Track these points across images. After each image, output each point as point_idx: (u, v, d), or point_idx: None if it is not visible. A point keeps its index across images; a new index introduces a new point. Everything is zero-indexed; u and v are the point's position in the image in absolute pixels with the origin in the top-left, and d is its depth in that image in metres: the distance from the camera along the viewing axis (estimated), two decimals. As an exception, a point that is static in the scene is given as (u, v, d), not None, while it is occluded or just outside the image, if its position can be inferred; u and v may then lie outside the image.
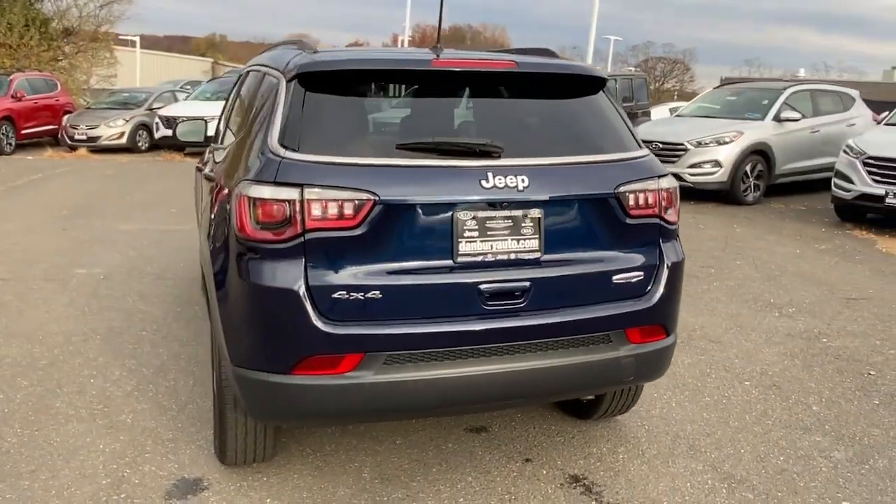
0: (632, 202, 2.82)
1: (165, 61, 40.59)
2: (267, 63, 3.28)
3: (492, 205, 2.63)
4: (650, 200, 2.86)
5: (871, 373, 4.47)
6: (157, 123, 16.00)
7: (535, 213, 2.68)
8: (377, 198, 2.51)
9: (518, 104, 2.96)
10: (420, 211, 2.58)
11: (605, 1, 22.58)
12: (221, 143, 4.08)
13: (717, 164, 10.40)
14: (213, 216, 3.15)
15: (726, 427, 3.71)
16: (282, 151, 2.60)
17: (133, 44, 34.23)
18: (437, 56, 2.91)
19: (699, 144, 10.50)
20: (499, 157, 2.67)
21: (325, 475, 3.18)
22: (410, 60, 2.84)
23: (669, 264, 2.94)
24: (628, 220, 2.83)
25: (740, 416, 3.84)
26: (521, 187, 2.63)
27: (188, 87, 22.80)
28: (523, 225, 2.68)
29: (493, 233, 2.65)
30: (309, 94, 2.72)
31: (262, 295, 2.55)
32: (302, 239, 2.51)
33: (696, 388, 4.16)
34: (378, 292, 2.55)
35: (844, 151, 9.32)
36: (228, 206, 2.77)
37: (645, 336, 2.90)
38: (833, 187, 9.33)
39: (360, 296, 2.54)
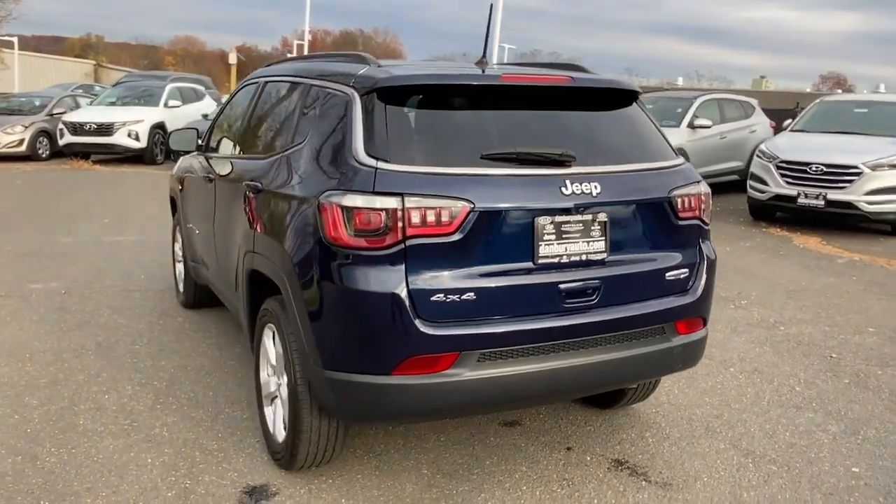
0: (681, 205, 3.10)
1: (43, 63, 38.33)
2: (317, 75, 3.35)
3: (566, 210, 2.84)
4: (693, 203, 3.16)
5: (833, 356, 4.98)
6: (61, 130, 15.24)
7: (602, 216, 2.92)
8: (473, 205, 2.67)
9: (573, 116, 3.19)
10: (506, 217, 2.76)
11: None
12: (239, 152, 4.10)
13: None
14: (259, 223, 3.25)
15: (730, 409, 4.07)
16: (372, 162, 2.71)
17: (10, 45, 32.17)
18: (483, 70, 3.11)
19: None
20: (571, 165, 2.89)
21: (387, 474, 3.28)
22: (481, 76, 3.01)
23: (708, 261, 3.26)
24: (677, 222, 3.12)
25: (737, 398, 4.22)
26: (594, 193, 2.86)
27: (79, 90, 21.71)
28: (592, 228, 2.91)
29: (567, 236, 2.86)
30: (389, 108, 2.84)
31: (363, 300, 2.65)
32: (403, 245, 2.64)
33: (689, 376, 4.52)
34: (472, 294, 2.70)
35: (758, 156, 10.13)
36: (304, 215, 2.86)
37: (690, 328, 3.19)
38: (749, 189, 10.12)
39: (455, 298, 2.68)
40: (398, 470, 3.32)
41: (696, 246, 3.23)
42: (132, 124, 15.21)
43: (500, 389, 2.78)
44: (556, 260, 2.85)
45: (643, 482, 3.27)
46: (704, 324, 3.29)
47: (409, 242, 2.64)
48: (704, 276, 3.23)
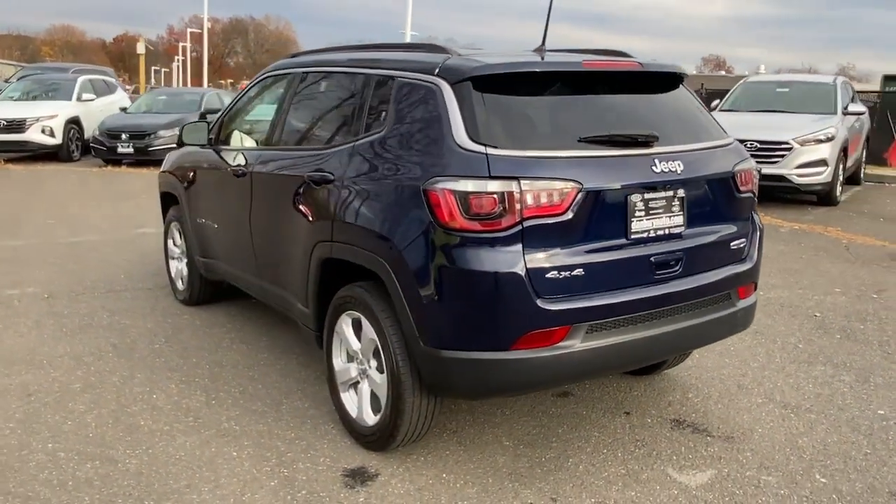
0: (741, 179, 3.37)
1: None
2: (389, 66, 3.39)
3: (653, 187, 3.05)
4: (749, 178, 3.43)
5: (817, 314, 5.45)
6: (-34, 127, 14.24)
7: (682, 192, 3.14)
8: (581, 186, 2.83)
9: (643, 98, 3.39)
10: (606, 195, 2.93)
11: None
12: (279, 144, 4.08)
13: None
14: (339, 212, 3.29)
15: (751, 368, 4.42)
16: (480, 148, 2.82)
17: None
18: (543, 57, 3.27)
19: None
20: (654, 145, 3.09)
21: (473, 448, 3.41)
22: (566, 63, 3.16)
23: (759, 231, 3.55)
24: (738, 195, 3.38)
25: (753, 358, 4.57)
26: (678, 171, 3.07)
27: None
28: (673, 203, 3.12)
29: (653, 211, 3.06)
30: (484, 96, 2.95)
31: (483, 280, 2.76)
32: (520, 226, 2.76)
33: (701, 340, 4.85)
34: (580, 270, 2.86)
35: None
36: (404, 202, 2.94)
37: (747, 292, 3.47)
38: None
39: (566, 274, 2.84)
40: (481, 444, 3.45)
41: (750, 217, 3.51)
42: (45, 120, 14.42)
43: (606, 357, 2.97)
44: (644, 234, 3.05)
45: (707, 437, 3.54)
46: (756, 288, 3.58)
47: (525, 224, 2.77)
48: (757, 244, 3.52)
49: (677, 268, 3.13)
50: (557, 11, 3.65)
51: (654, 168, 3.01)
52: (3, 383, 4.07)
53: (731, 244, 3.37)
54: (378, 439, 3.29)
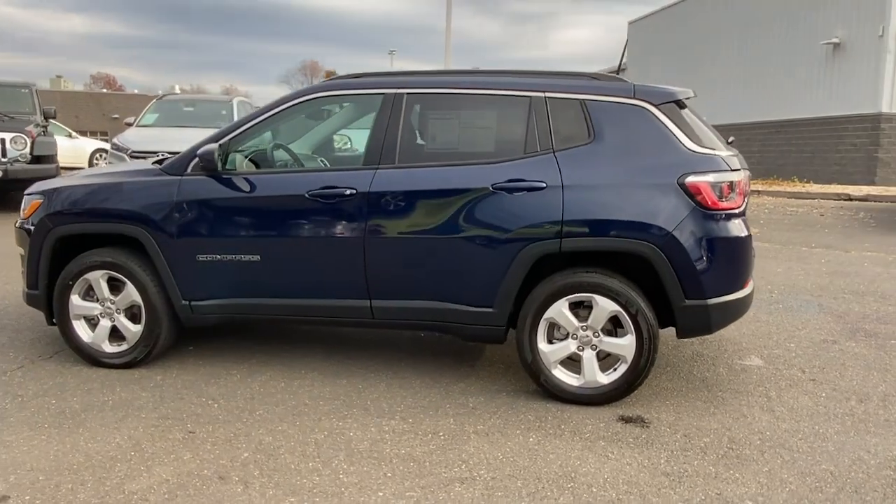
0: None
1: None
2: (570, 89, 4.20)
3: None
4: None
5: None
6: None
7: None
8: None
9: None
10: None
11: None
12: (400, 162, 4.27)
13: None
14: (566, 212, 4.00)
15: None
16: (708, 150, 4.00)
17: None
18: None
19: None
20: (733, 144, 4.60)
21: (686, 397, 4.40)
22: (687, 89, 4.40)
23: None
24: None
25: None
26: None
27: None
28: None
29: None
30: (678, 113, 4.13)
31: (740, 243, 3.98)
32: (745, 203, 4.01)
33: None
34: None
35: (113, 148, 11.87)
36: (655, 195, 3.92)
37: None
38: None
39: None
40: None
41: None
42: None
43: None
44: None
45: (798, 374, 5.09)
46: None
47: (745, 201, 4.03)
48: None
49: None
50: None
51: None
52: None
53: None
54: (614, 395, 4.08)
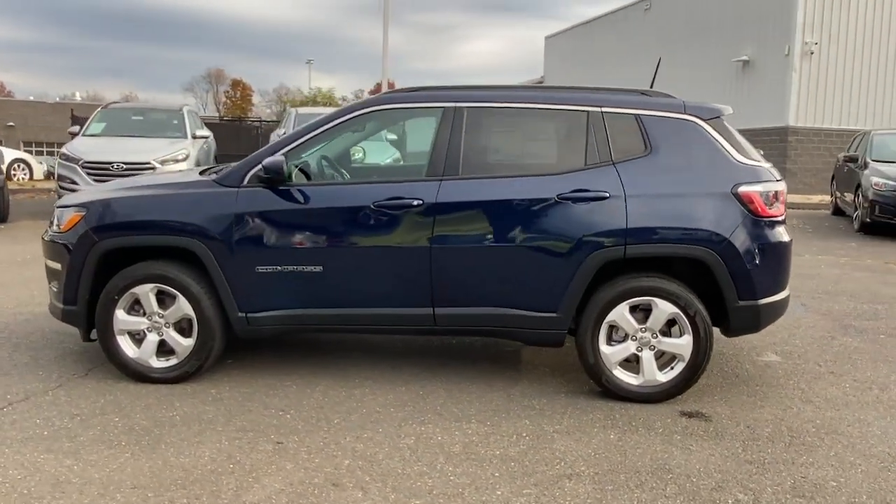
0: None
1: None
2: (624, 104, 4.46)
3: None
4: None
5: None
6: None
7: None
8: None
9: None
10: None
11: None
12: (464, 173, 4.41)
13: None
14: (632, 219, 4.24)
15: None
16: (754, 162, 4.33)
17: None
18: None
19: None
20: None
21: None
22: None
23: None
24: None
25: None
26: None
27: None
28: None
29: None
30: (724, 127, 4.44)
31: (786, 247, 4.32)
32: (785, 212, 4.36)
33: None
34: None
35: (62, 159, 11.79)
36: (710, 203, 4.21)
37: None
38: (59, 188, 11.61)
39: None
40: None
41: None
42: None
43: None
44: None
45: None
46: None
47: (785, 209, 4.38)
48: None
49: None
50: None
51: None
52: None
53: None
54: (672, 391, 4.34)
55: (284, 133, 13.26)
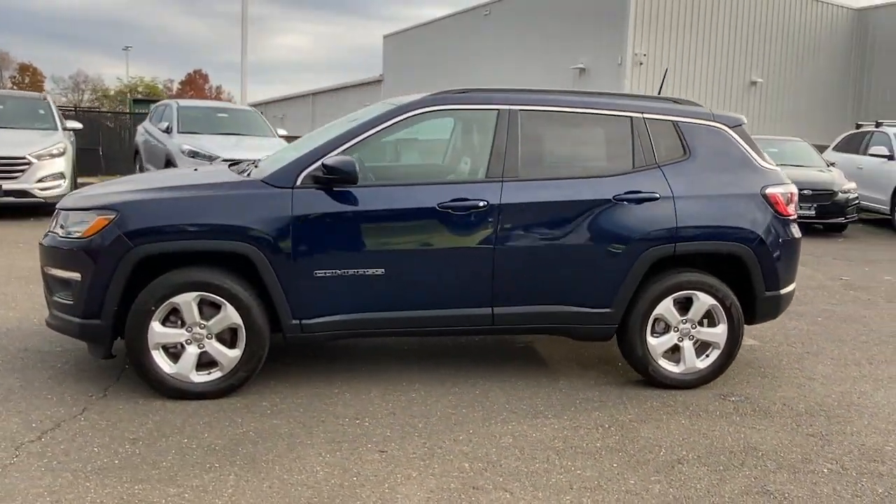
0: None
1: None
2: (660, 111, 4.75)
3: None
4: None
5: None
6: None
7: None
8: None
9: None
10: None
11: None
12: (520, 175, 4.50)
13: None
14: (681, 220, 4.55)
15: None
16: (772, 166, 4.81)
17: None
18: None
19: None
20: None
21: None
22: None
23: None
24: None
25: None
26: None
27: None
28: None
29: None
30: (747, 133, 4.89)
31: (798, 242, 4.83)
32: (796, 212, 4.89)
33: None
34: None
35: None
36: (744, 202, 4.64)
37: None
38: None
39: None
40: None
41: None
42: None
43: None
44: None
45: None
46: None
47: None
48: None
49: None
50: None
51: None
52: None
53: None
54: (707, 377, 4.71)
55: (168, 127, 12.48)
